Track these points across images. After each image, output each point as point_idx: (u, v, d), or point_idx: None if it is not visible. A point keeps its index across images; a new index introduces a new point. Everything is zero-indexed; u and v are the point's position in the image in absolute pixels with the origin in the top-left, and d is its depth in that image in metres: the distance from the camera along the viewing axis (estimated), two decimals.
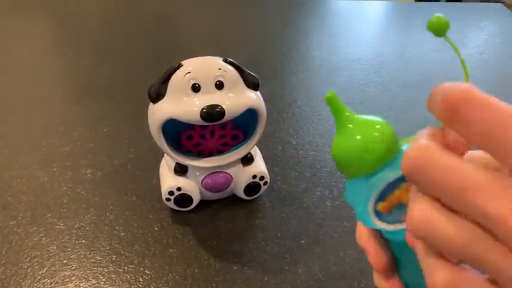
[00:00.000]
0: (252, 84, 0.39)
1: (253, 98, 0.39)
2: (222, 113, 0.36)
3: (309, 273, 0.37)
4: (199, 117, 0.36)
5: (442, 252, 0.17)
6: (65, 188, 0.47)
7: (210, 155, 0.42)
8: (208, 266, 0.38)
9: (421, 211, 0.17)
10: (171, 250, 0.39)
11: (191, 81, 0.37)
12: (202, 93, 0.37)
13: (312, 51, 0.80)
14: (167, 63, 0.38)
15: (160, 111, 0.37)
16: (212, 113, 0.36)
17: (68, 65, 0.76)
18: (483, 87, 0.16)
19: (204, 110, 0.36)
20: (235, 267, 0.38)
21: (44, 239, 0.40)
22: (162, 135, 0.38)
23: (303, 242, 0.40)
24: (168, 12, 1.01)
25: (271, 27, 0.93)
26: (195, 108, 0.36)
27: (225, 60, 0.39)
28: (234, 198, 0.44)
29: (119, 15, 0.98)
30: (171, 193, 0.41)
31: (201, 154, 0.41)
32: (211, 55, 0.39)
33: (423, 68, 0.73)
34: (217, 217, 0.43)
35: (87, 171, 0.49)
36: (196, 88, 0.37)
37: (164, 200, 0.41)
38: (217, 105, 0.36)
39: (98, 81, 0.69)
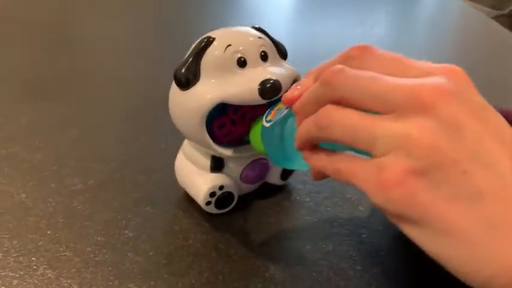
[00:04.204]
0: (283, 54, 0.35)
1: (294, 69, 0.34)
2: (280, 86, 0.31)
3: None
4: (257, 96, 0.30)
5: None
6: (53, 203, 0.37)
7: (240, 143, 0.35)
8: (271, 279, 0.32)
9: (328, 109, 0.24)
10: (219, 267, 0.32)
11: (235, 54, 0.31)
12: (249, 67, 0.31)
13: None
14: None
15: (202, 97, 0.30)
16: (272, 89, 0.30)
17: (11, 58, 0.63)
18: None
19: (261, 87, 0.30)
20: (298, 275, 0.32)
21: (49, 272, 0.31)
22: (205, 126, 0.31)
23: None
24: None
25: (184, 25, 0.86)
26: (252, 85, 0.30)
27: (256, 28, 0.34)
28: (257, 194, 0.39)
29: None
30: (212, 194, 0.34)
31: (232, 144, 0.35)
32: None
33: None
34: (259, 216, 0.36)
35: (74, 180, 0.39)
36: (242, 63, 0.31)
37: (203, 205, 0.34)
38: (271, 79, 0.30)
39: (49, 75, 0.58)
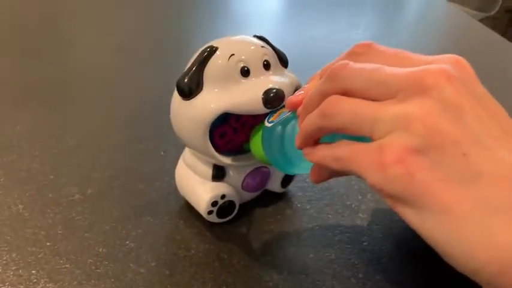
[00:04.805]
0: (284, 62, 0.35)
1: (295, 77, 0.34)
2: (284, 95, 0.31)
3: None
4: (261, 105, 0.30)
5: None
6: (51, 214, 0.36)
7: (240, 151, 0.35)
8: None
9: (332, 99, 0.24)
10: (223, 277, 0.32)
11: (239, 64, 0.31)
12: (252, 76, 0.31)
13: None
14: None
15: (206, 107, 0.30)
16: (275, 98, 0.30)
17: (1, 64, 0.62)
18: None
19: (265, 96, 0.30)
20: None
21: (50, 286, 0.30)
22: (208, 136, 0.31)
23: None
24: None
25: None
26: (256, 95, 0.30)
27: (258, 37, 0.34)
28: (259, 202, 0.38)
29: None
30: (214, 204, 0.33)
31: (232, 152, 0.35)
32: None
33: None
34: (261, 224, 0.36)
35: (72, 190, 0.39)
36: (245, 72, 0.31)
37: (205, 214, 0.34)
38: (274, 88, 0.30)
39: (43, 81, 0.57)
